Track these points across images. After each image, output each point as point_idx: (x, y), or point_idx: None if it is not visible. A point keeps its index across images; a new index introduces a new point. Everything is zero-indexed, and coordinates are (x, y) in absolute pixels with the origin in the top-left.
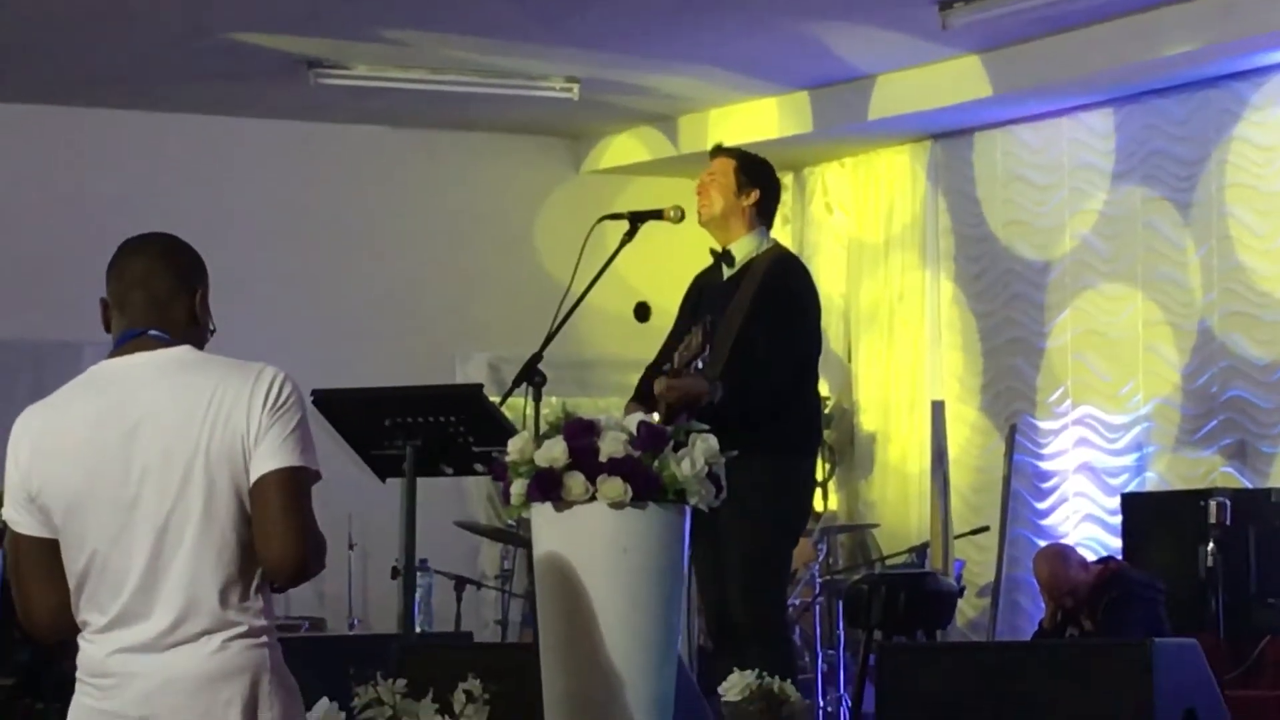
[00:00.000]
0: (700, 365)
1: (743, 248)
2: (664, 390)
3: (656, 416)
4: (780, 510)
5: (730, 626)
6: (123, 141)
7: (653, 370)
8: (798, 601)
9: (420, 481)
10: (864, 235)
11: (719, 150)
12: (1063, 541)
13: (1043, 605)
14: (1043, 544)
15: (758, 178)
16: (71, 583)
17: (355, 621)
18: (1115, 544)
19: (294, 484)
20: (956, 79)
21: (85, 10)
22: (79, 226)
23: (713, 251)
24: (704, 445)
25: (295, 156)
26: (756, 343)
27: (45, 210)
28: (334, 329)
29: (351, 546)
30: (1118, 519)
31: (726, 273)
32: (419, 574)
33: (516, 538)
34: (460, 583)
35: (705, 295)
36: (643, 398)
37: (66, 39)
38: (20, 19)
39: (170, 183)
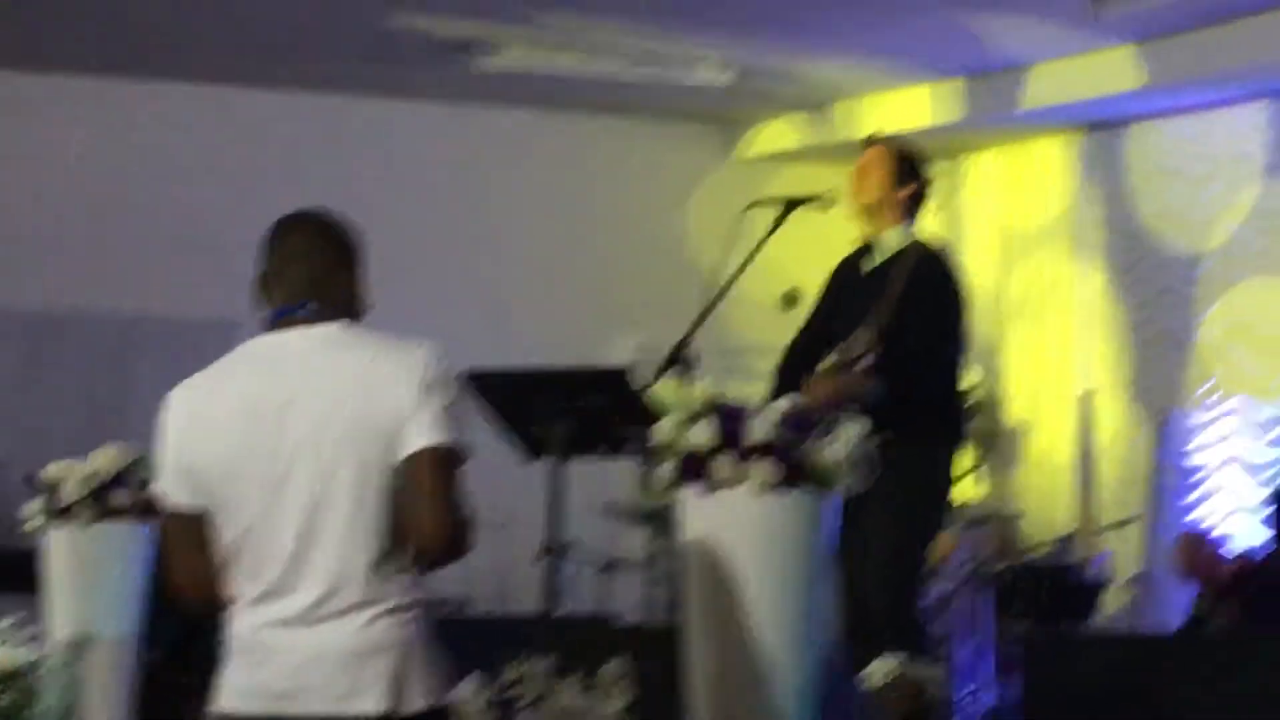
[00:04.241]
0: (868, 364)
1: (891, 239)
2: (830, 390)
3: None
4: (922, 502)
5: (867, 614)
6: (279, 121)
7: (792, 354)
8: (943, 589)
9: (569, 463)
10: (1015, 225)
11: (878, 139)
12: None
13: (1188, 599)
14: None
15: (913, 172)
16: (223, 555)
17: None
18: (1264, 537)
19: (445, 462)
20: (1110, 70)
21: None
22: (235, 205)
23: (861, 242)
24: (851, 430)
25: (448, 139)
26: (910, 339)
27: (201, 189)
28: (486, 309)
29: (500, 526)
30: (1268, 511)
31: (873, 262)
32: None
33: (664, 521)
34: (607, 565)
35: (849, 285)
36: (784, 385)
37: (223, 18)
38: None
39: (325, 162)
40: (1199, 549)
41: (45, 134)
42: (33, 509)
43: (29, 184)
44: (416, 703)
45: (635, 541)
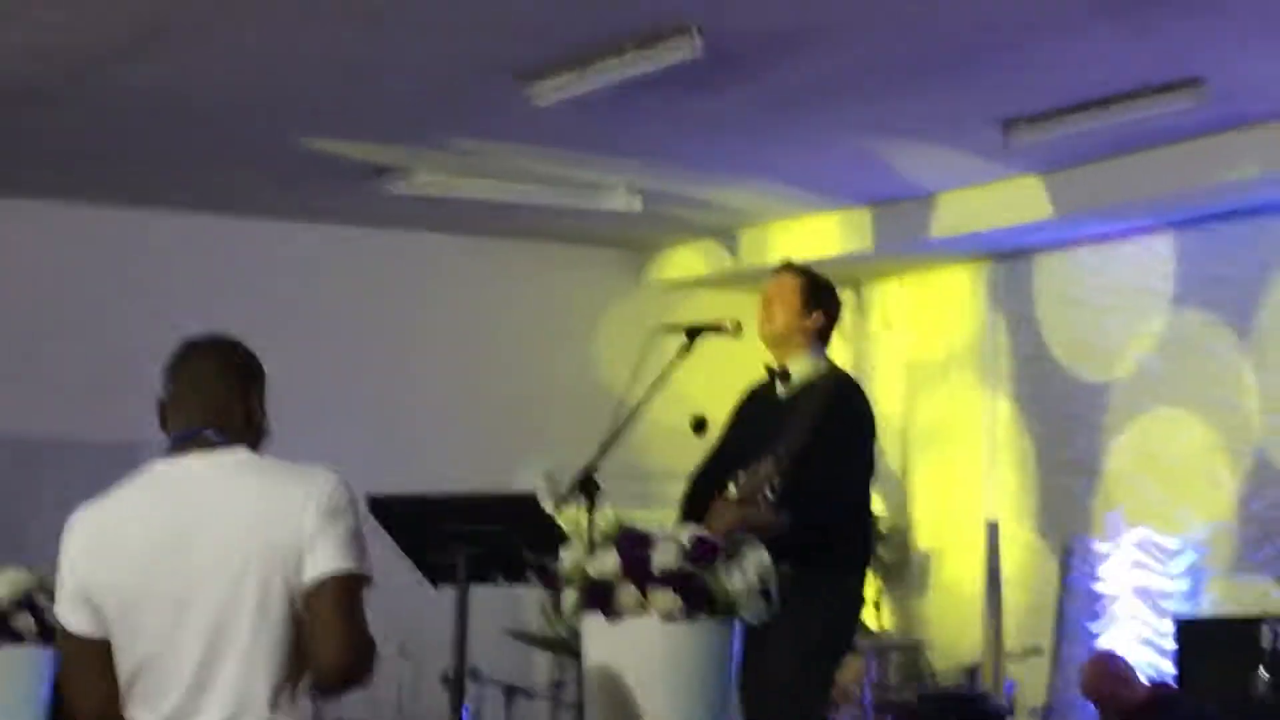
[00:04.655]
0: (769, 495)
1: (800, 368)
2: (732, 520)
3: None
4: (827, 628)
5: None
6: (187, 244)
7: (699, 482)
8: (849, 718)
9: (473, 589)
10: (922, 354)
11: (785, 267)
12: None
13: None
14: None
15: (822, 300)
16: (122, 681)
17: None
18: (1168, 668)
19: (347, 588)
20: (1017, 199)
21: (154, 112)
22: (140, 326)
23: (769, 369)
24: (755, 558)
25: (359, 262)
26: (818, 468)
27: (107, 310)
28: (391, 434)
29: (402, 653)
30: (1171, 643)
31: (781, 391)
32: (470, 682)
33: (568, 647)
34: (511, 692)
35: (759, 412)
36: (691, 513)
37: (135, 140)
38: (88, 121)
39: (234, 284)
40: (1107, 669)
41: None
42: None
43: None
44: None
45: (541, 668)
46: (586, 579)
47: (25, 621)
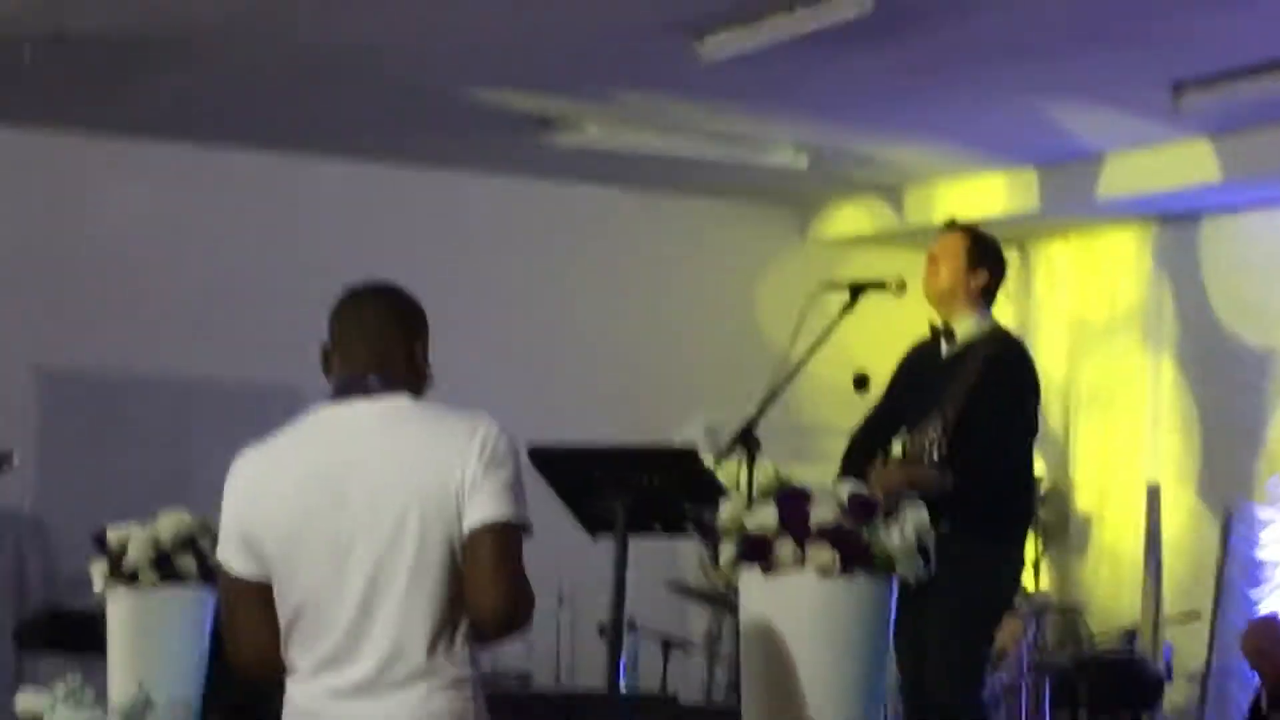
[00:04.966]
0: (935, 457)
1: (965, 327)
2: (898, 479)
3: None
4: (986, 591)
5: (927, 704)
6: (352, 191)
7: (860, 439)
8: (1006, 679)
9: (631, 540)
10: (1087, 315)
11: (952, 225)
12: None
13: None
14: None
15: (988, 258)
16: (282, 624)
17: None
18: None
19: (505, 537)
20: (1186, 162)
21: (324, 60)
22: (303, 273)
23: (933, 327)
24: (914, 518)
25: (523, 214)
26: (982, 429)
27: (272, 257)
28: (553, 385)
29: (560, 602)
30: None
31: (945, 350)
32: (626, 633)
33: (725, 601)
34: (667, 644)
35: (922, 370)
36: (853, 471)
37: (306, 90)
38: (264, 71)
39: (398, 233)
40: (1268, 634)
41: (109, 198)
42: (96, 571)
43: (92, 248)
44: None
45: (697, 621)
46: (744, 533)
47: (188, 563)
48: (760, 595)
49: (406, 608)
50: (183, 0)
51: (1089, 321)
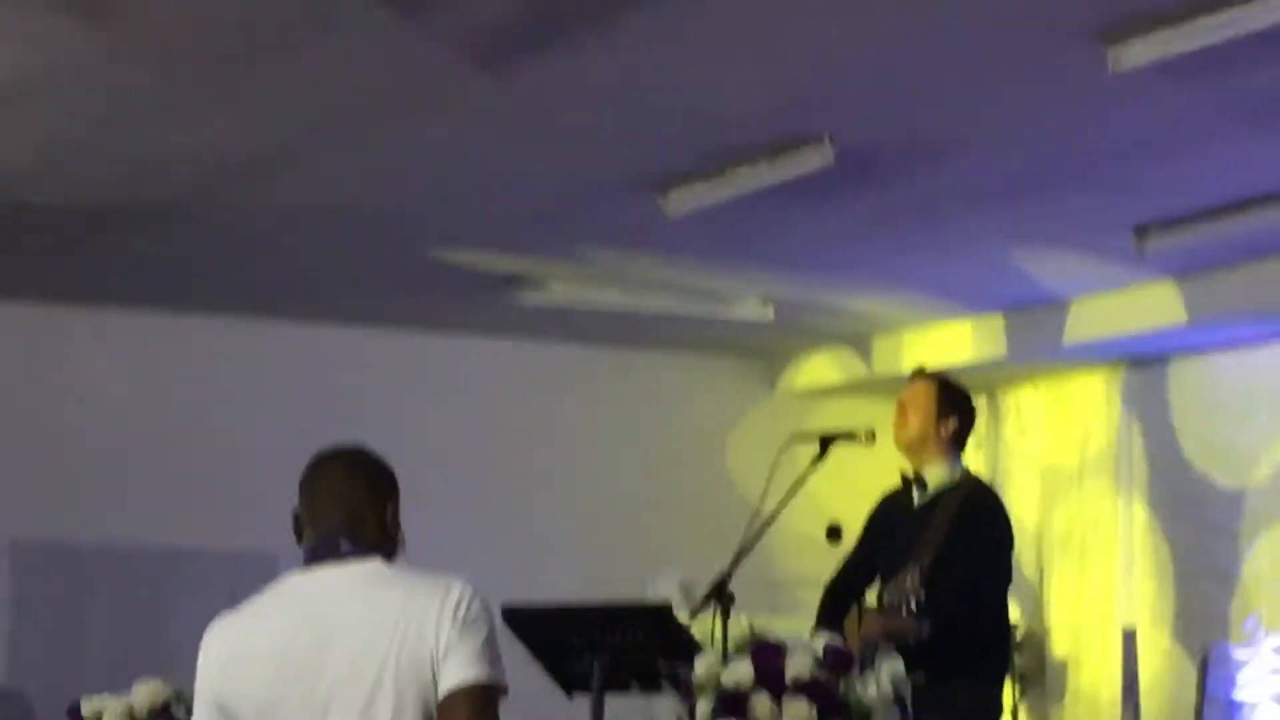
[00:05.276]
0: (913, 607)
1: (936, 475)
2: (877, 629)
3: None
4: None
5: None
6: (322, 355)
7: (835, 590)
8: None
9: (608, 699)
10: (1057, 460)
11: (920, 374)
12: None
13: None
14: None
15: (957, 405)
16: None
17: None
18: None
19: (482, 698)
20: (1152, 305)
21: (286, 224)
22: (274, 438)
23: (905, 476)
24: (890, 668)
25: (491, 373)
26: (957, 577)
27: (241, 422)
28: (524, 545)
29: None
30: None
31: (917, 498)
32: None
33: None
34: None
35: (895, 520)
36: (828, 623)
37: (268, 253)
38: (222, 234)
39: (366, 396)
40: None
41: (85, 368)
42: None
43: (69, 417)
44: None
45: None
46: (720, 688)
47: None
48: None
49: None
50: (144, 170)
51: (1060, 466)
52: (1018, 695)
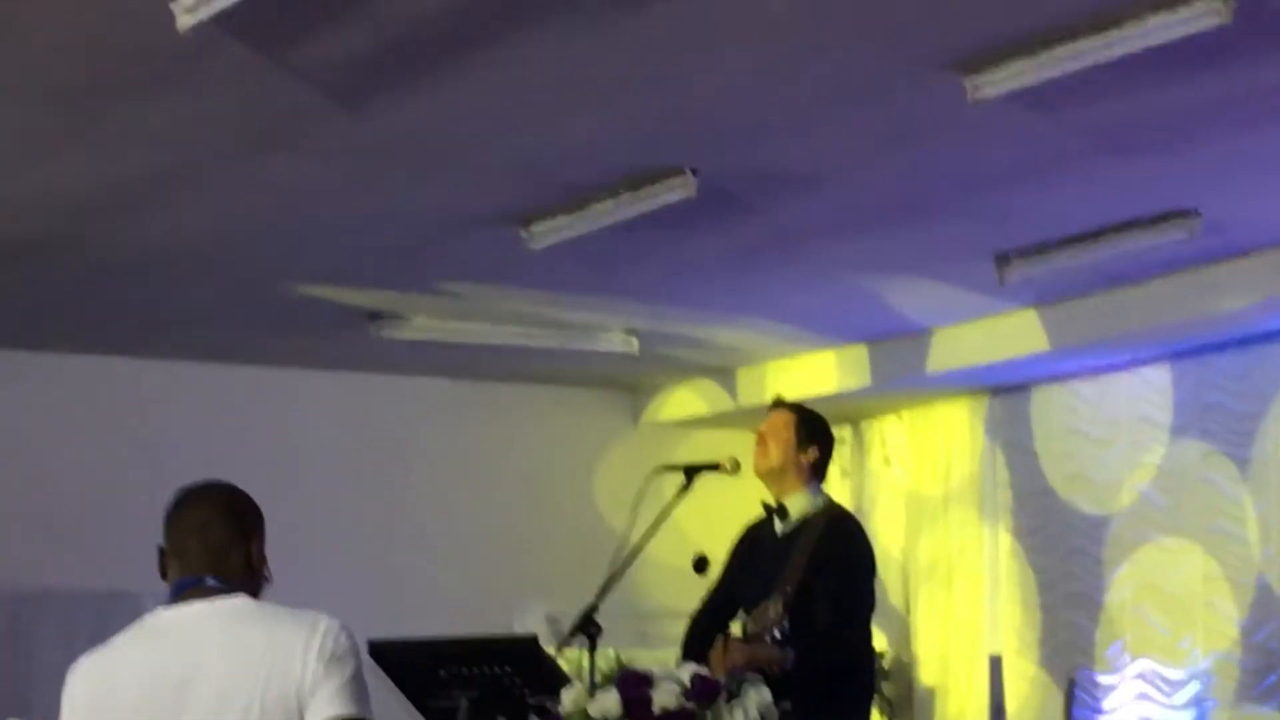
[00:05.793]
0: (777, 635)
1: (797, 504)
2: (739, 659)
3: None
4: None
5: None
6: (183, 392)
7: (700, 621)
8: None
9: None
10: (922, 489)
11: (779, 404)
12: None
13: None
14: None
15: (816, 434)
16: None
17: None
18: None
19: None
20: (1014, 333)
21: (146, 261)
22: (139, 476)
23: (766, 506)
24: (757, 697)
25: (356, 408)
26: (820, 605)
27: (105, 460)
28: (390, 579)
29: None
30: None
31: (780, 528)
32: None
33: None
34: None
35: (758, 550)
36: (693, 654)
37: (127, 289)
38: (80, 269)
39: (230, 433)
40: None
41: None
42: None
43: None
44: None
45: None
46: None
47: None
48: None
49: None
50: (3, 207)
51: (925, 495)
52: None
